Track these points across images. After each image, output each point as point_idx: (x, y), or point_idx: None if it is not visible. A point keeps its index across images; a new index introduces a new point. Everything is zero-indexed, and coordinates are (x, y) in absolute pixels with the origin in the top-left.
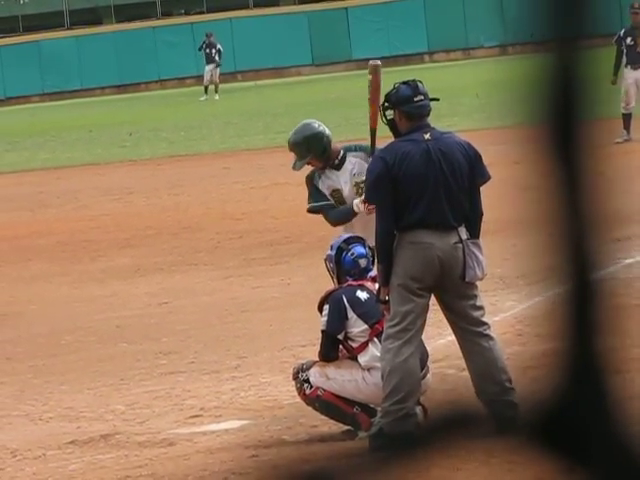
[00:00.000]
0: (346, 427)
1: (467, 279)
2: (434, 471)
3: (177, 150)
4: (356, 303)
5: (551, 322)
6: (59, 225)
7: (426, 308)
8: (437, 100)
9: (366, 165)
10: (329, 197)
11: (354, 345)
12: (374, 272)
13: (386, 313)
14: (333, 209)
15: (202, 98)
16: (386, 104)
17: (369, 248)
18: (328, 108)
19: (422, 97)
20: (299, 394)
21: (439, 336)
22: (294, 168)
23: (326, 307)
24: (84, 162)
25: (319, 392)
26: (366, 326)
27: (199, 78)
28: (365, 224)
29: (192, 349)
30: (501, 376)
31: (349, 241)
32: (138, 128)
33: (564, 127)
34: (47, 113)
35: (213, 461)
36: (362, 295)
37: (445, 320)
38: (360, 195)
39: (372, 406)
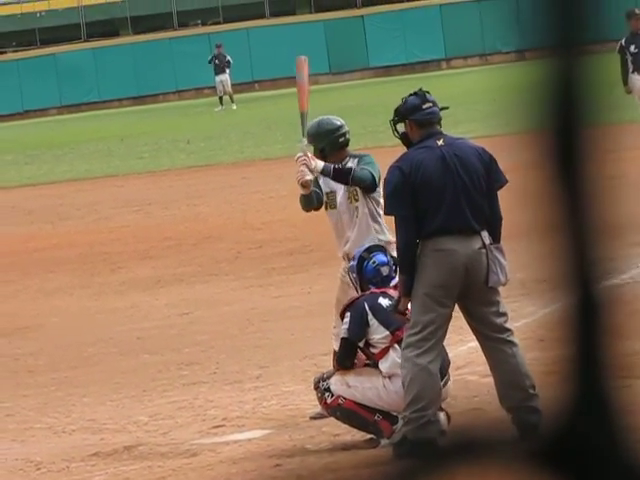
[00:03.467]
0: (369, 435)
1: (490, 284)
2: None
3: (196, 161)
4: (378, 310)
5: (562, 329)
6: (79, 237)
7: (448, 318)
8: (447, 108)
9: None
10: (324, 197)
11: (375, 351)
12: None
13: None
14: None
15: (217, 109)
16: (396, 118)
17: (391, 257)
18: (345, 116)
19: (431, 104)
20: (320, 403)
21: (460, 342)
22: (302, 143)
23: (347, 314)
24: (103, 174)
25: (340, 401)
26: (387, 332)
27: (216, 89)
28: (354, 226)
29: (214, 359)
30: (525, 382)
31: (370, 250)
32: (157, 139)
33: (568, 133)
34: (65, 126)
35: (236, 471)
36: (384, 302)
37: (467, 326)
38: (353, 201)
39: (394, 414)
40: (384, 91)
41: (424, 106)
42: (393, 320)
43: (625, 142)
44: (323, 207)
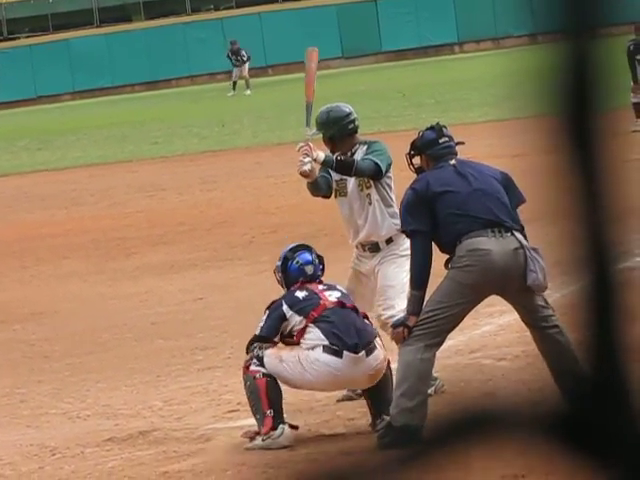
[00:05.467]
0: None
1: (529, 282)
2: (449, 472)
3: (209, 146)
4: (294, 303)
5: (577, 312)
6: (93, 223)
7: (464, 316)
8: (462, 144)
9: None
10: (334, 184)
11: (295, 335)
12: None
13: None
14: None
15: (230, 94)
16: (412, 152)
17: (317, 256)
18: (358, 100)
19: (447, 139)
20: (244, 365)
21: (474, 327)
22: (306, 133)
23: (266, 312)
24: (116, 159)
25: (257, 375)
26: (301, 317)
27: (229, 73)
28: (366, 214)
29: (228, 344)
30: (577, 367)
31: (295, 250)
32: (169, 124)
33: (581, 116)
34: (78, 111)
35: (251, 455)
36: (300, 294)
37: (481, 310)
38: (364, 189)
39: (285, 417)
40: (397, 75)
41: (440, 140)
42: (307, 307)
43: (622, 127)
44: (333, 195)
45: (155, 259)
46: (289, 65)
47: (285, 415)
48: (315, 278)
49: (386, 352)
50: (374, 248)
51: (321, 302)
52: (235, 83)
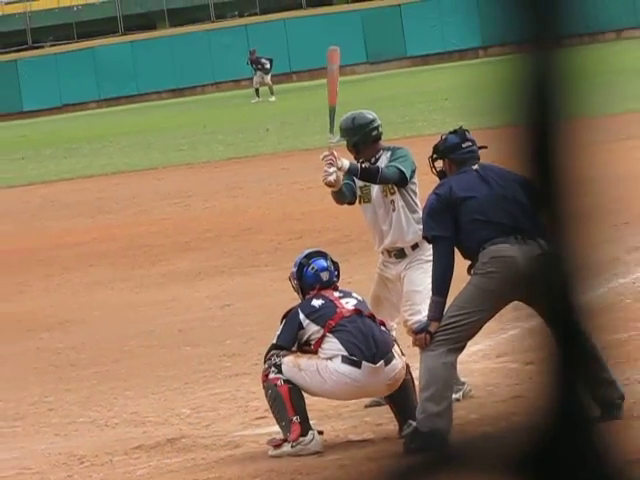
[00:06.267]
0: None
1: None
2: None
3: (235, 152)
4: (311, 312)
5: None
6: (119, 230)
7: (485, 322)
8: (485, 148)
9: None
10: (358, 190)
11: (312, 344)
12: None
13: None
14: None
15: (254, 100)
16: (435, 155)
17: (332, 262)
18: (383, 106)
19: (470, 143)
20: (262, 374)
21: (502, 331)
22: (329, 139)
23: (283, 322)
24: (142, 167)
25: (278, 382)
26: (319, 327)
27: (252, 80)
28: (390, 220)
29: (255, 351)
30: (606, 375)
31: (310, 256)
32: (194, 131)
33: (543, 126)
34: (104, 119)
35: (279, 462)
36: (317, 302)
37: (508, 314)
38: (388, 195)
39: (312, 423)
40: (421, 80)
41: (463, 145)
42: (325, 316)
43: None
44: (357, 201)
45: (181, 266)
46: (313, 71)
47: (312, 421)
48: (330, 284)
49: (404, 359)
50: (400, 254)
51: (337, 310)
52: (257, 90)
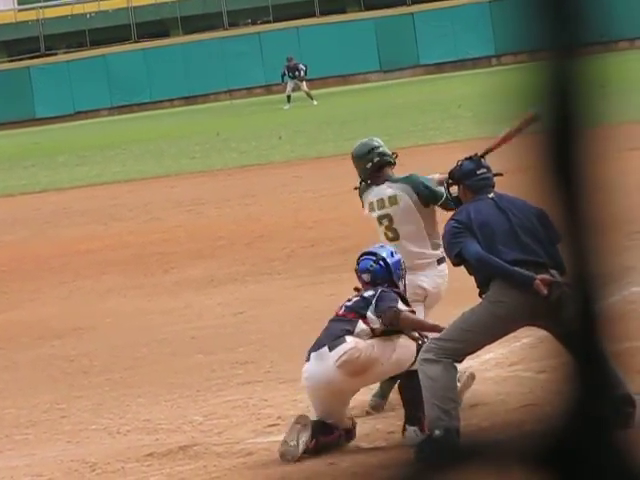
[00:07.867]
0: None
1: (564, 318)
2: None
3: (248, 160)
4: None
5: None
6: (132, 238)
7: (485, 345)
8: (500, 175)
9: (399, 192)
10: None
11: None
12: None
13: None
14: None
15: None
16: (450, 181)
17: (392, 254)
18: (396, 114)
19: (485, 170)
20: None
21: (514, 339)
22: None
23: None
24: (155, 174)
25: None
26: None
27: (267, 87)
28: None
29: (268, 358)
30: (619, 381)
31: (362, 255)
32: (207, 139)
33: (564, 134)
34: (116, 126)
35: (291, 469)
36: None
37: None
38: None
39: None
40: (435, 88)
41: (478, 172)
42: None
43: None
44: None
45: (194, 274)
46: (326, 79)
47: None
48: (375, 285)
49: (364, 343)
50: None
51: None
52: (289, 97)
